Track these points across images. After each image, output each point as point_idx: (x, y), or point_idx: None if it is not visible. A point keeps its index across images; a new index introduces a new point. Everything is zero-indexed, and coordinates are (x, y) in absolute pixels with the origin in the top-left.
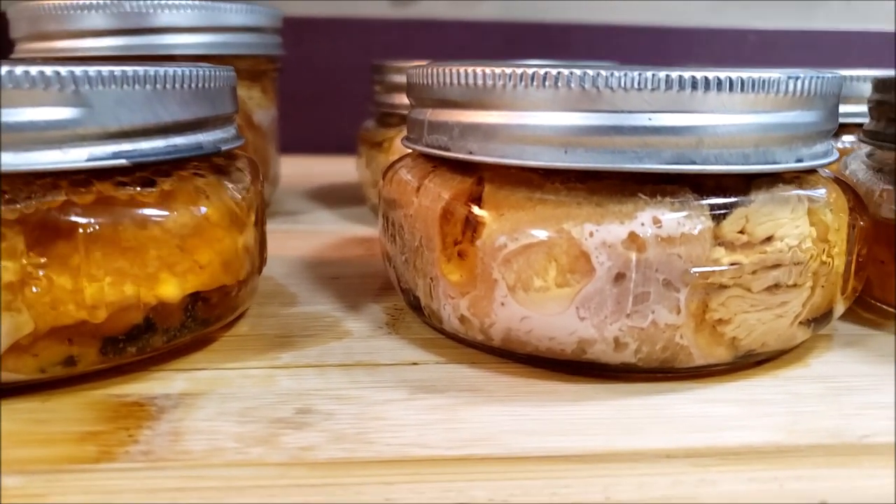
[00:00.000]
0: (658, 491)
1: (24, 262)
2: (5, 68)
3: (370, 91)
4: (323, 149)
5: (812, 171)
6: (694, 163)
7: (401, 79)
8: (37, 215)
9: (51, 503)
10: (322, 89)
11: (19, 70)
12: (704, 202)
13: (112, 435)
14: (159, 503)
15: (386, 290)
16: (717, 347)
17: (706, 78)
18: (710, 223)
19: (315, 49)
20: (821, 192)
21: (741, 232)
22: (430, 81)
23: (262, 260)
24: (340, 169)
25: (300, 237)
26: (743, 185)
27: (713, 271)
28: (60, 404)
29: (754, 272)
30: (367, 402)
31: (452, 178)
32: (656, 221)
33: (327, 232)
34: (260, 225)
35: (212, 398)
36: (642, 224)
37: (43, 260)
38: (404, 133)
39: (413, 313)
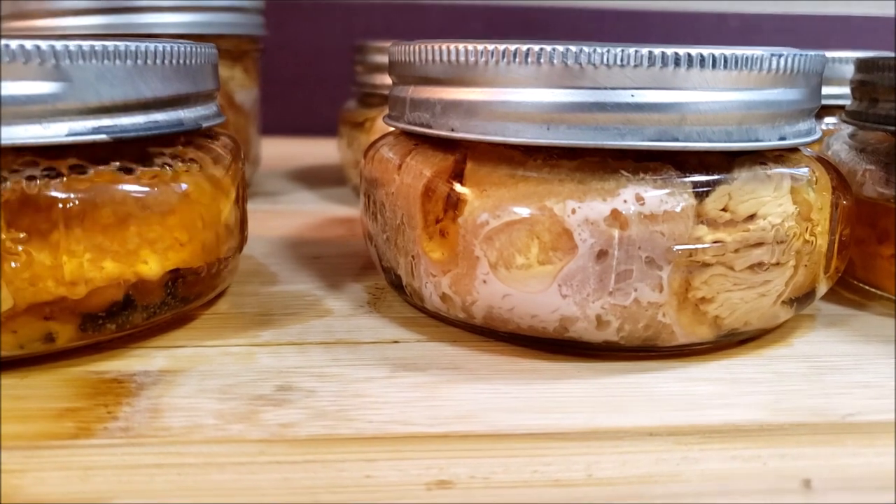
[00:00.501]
0: (641, 469)
1: (4, 237)
2: None
3: (352, 72)
4: (304, 131)
5: (795, 149)
6: (677, 140)
7: (382, 59)
8: (16, 191)
9: (28, 479)
10: (304, 71)
11: (0, 43)
12: (687, 179)
13: (90, 411)
14: (138, 479)
15: (367, 270)
16: (700, 326)
17: (689, 54)
18: (692, 201)
19: (297, 31)
20: (804, 171)
21: (724, 210)
22: (411, 58)
23: (243, 238)
24: (322, 151)
25: (281, 217)
26: (726, 162)
27: (696, 249)
28: (39, 381)
29: (737, 250)
30: (348, 379)
31: (434, 156)
32: (639, 199)
33: (308, 212)
34: (241, 203)
35: (192, 375)
36: (625, 201)
37: (22, 235)
38: (386, 113)
39: (394, 292)
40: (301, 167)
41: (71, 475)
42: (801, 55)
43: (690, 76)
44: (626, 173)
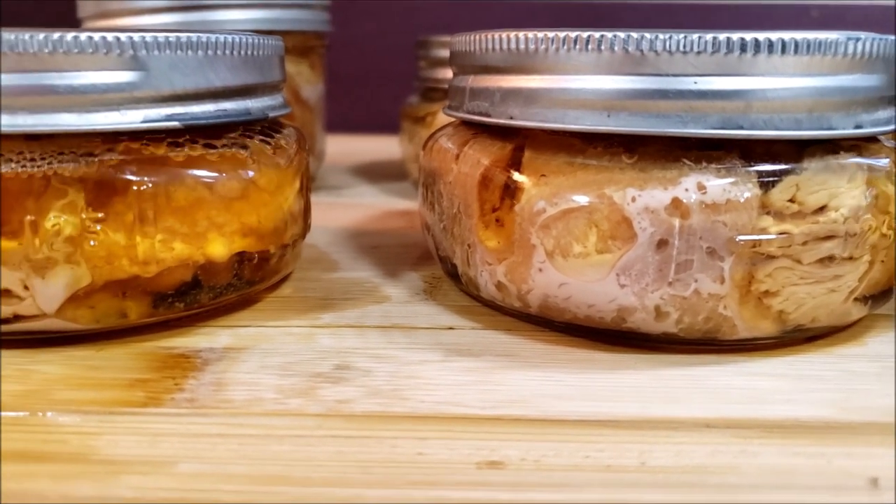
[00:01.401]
0: (695, 460)
1: (84, 217)
2: (71, 34)
3: (414, 67)
4: (366, 128)
5: (873, 139)
6: (741, 128)
7: (445, 53)
8: (95, 174)
9: (102, 441)
10: (367, 69)
11: (84, 36)
12: (752, 169)
13: (159, 383)
14: (201, 447)
15: (424, 260)
16: (763, 320)
17: (756, 40)
18: (757, 191)
19: (360, 29)
20: (882, 162)
21: (791, 200)
22: (472, 48)
23: (307, 226)
24: (383, 147)
25: (343, 209)
26: (795, 151)
27: (760, 240)
28: (113, 353)
29: (805, 243)
30: (403, 361)
31: (492, 145)
32: (701, 187)
33: (369, 205)
34: (305, 192)
35: (254, 353)
36: (686, 190)
37: (100, 215)
38: (446, 104)
39: (450, 281)
40: (363, 162)
41: (141, 440)
42: (880, 39)
43: (757, 62)
44: (688, 162)
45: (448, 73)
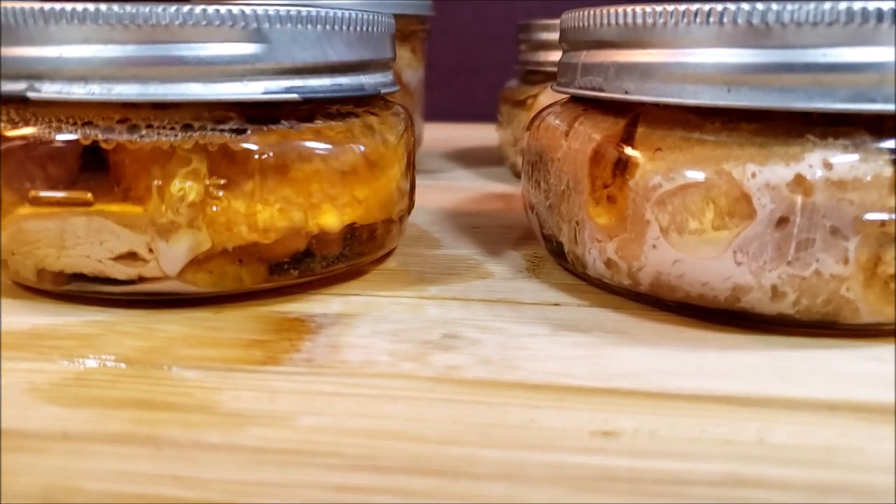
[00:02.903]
0: (818, 440)
1: (207, 183)
2: (199, 7)
3: (515, 51)
4: (461, 117)
5: None
6: (873, 101)
7: (547, 36)
8: (218, 142)
9: (224, 396)
10: (463, 58)
11: (211, 9)
12: (883, 145)
13: (276, 344)
14: (318, 404)
15: (525, 240)
16: (889, 305)
17: (894, 9)
18: (889, 168)
19: (458, 17)
20: None
21: None
22: (586, 23)
23: (412, 203)
24: (478, 134)
25: (441, 191)
26: None
27: (890, 220)
28: (230, 316)
29: None
30: (511, 333)
31: (604, 121)
32: (826, 164)
33: (466, 188)
34: (411, 169)
35: (366, 319)
36: (810, 166)
37: (222, 182)
38: (547, 90)
39: (554, 260)
40: (459, 148)
41: (261, 396)
42: None
43: (893, 33)
44: (812, 137)
45: (549, 56)
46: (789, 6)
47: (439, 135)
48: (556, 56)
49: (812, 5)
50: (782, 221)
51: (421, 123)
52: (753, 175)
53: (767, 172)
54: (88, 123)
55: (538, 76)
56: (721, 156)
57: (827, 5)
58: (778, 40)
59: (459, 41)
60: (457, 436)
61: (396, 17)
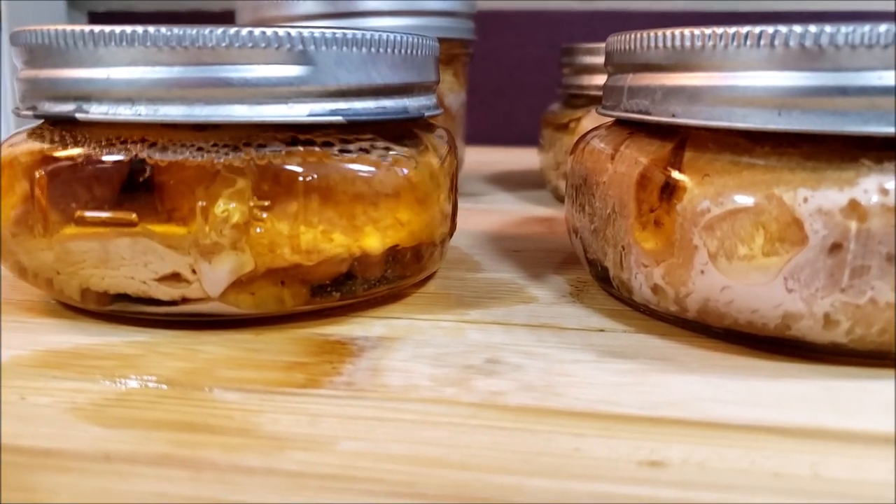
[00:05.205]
0: (878, 475)
1: (251, 205)
2: (245, 29)
3: (557, 74)
4: (502, 141)
5: None
6: None
7: (591, 60)
8: (263, 164)
9: (265, 419)
10: (505, 82)
11: (258, 31)
12: None
13: (317, 367)
14: (359, 428)
15: (568, 264)
16: None
17: None
18: None
19: (500, 43)
20: None
21: None
22: (632, 46)
23: (453, 226)
24: (518, 158)
25: (482, 215)
26: None
27: None
28: (271, 338)
29: None
30: (555, 359)
31: (650, 144)
32: (882, 190)
33: (508, 211)
34: (454, 192)
35: (407, 343)
36: (865, 191)
37: (266, 203)
38: (591, 114)
39: (598, 285)
40: (500, 172)
41: (301, 419)
42: None
43: None
44: (867, 162)
45: (593, 80)
46: (843, 28)
47: (480, 158)
48: (599, 80)
49: (867, 27)
50: (835, 248)
51: (462, 148)
52: (805, 200)
53: (820, 197)
54: (134, 144)
55: (581, 100)
56: (771, 180)
57: (882, 27)
58: (831, 63)
59: (501, 65)
60: (500, 464)
61: (440, 40)
